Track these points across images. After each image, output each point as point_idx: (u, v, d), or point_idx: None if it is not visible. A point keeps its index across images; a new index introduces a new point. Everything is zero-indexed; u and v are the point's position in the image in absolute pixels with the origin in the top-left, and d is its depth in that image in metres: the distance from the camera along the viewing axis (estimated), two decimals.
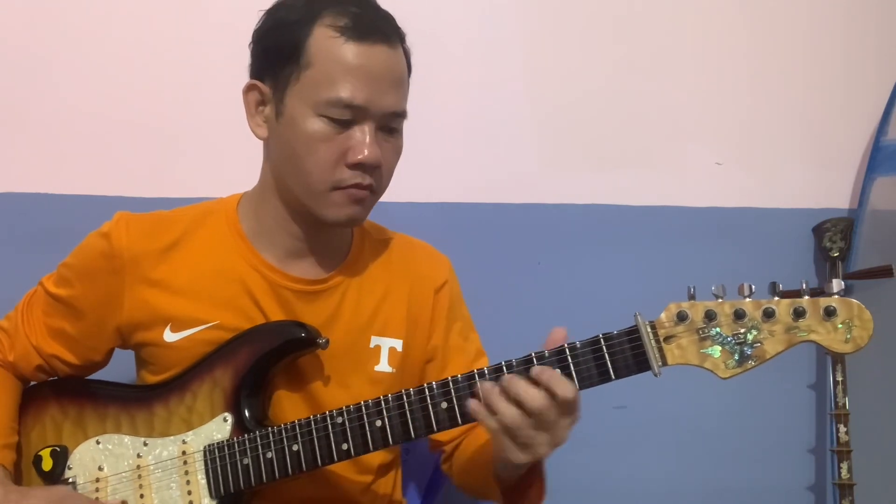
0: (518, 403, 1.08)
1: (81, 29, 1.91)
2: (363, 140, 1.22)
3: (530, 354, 1.13)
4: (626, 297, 2.01)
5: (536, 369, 1.09)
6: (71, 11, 1.90)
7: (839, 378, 1.98)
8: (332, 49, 1.21)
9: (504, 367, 1.13)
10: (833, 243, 2.04)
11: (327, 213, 1.26)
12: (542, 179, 2.07)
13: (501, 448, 1.11)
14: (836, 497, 1.96)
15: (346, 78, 1.20)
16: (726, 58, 2.14)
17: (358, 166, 1.23)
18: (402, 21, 1.30)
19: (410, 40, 1.31)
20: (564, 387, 1.07)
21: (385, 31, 1.24)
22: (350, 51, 1.21)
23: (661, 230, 2.09)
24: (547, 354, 1.12)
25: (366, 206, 1.29)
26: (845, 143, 2.15)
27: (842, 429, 1.96)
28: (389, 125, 1.26)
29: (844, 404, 1.97)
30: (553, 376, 1.08)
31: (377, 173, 1.26)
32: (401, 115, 1.27)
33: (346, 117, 1.21)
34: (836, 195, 2.14)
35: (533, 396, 1.07)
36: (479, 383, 1.11)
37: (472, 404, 1.11)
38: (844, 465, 1.95)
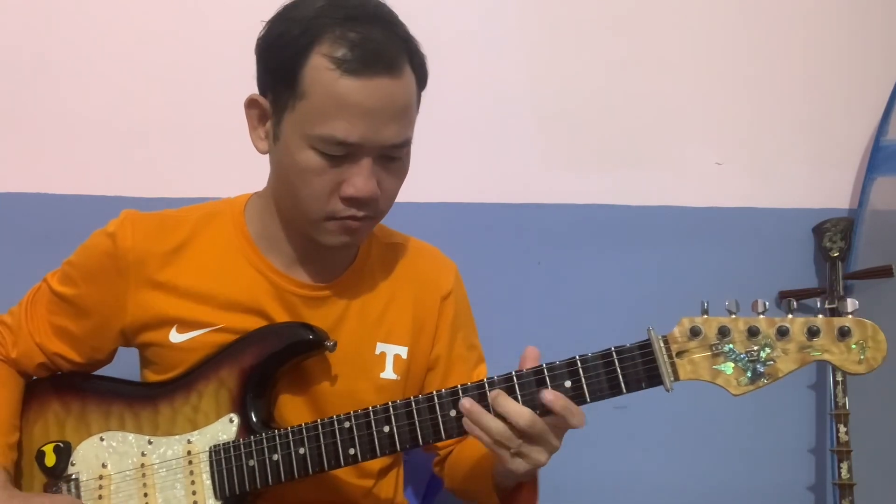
0: (504, 419, 1.09)
1: (83, 28, 1.90)
2: (358, 174, 1.17)
3: (510, 373, 1.13)
4: (626, 297, 2.03)
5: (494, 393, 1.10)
6: (72, 11, 1.90)
7: (839, 378, 1.98)
8: (326, 83, 1.13)
9: (487, 384, 1.13)
10: (833, 243, 2.05)
11: (322, 238, 1.24)
12: (543, 179, 2.07)
13: (499, 459, 1.12)
14: (836, 497, 1.97)
15: (341, 115, 1.13)
16: (727, 58, 2.14)
17: (352, 200, 1.19)
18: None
19: None
20: (521, 414, 1.08)
21: (387, 58, 1.14)
22: (345, 87, 1.13)
23: (661, 230, 2.09)
24: (558, 366, 1.11)
25: (362, 233, 1.26)
26: (845, 143, 2.16)
27: (842, 429, 1.96)
28: (390, 155, 1.20)
29: (844, 404, 1.97)
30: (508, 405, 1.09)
31: (374, 203, 1.21)
32: (401, 145, 1.20)
33: (340, 153, 1.16)
34: (836, 195, 2.15)
35: (520, 413, 1.08)
36: (461, 400, 1.12)
37: (466, 422, 1.11)
38: (844, 465, 1.95)
